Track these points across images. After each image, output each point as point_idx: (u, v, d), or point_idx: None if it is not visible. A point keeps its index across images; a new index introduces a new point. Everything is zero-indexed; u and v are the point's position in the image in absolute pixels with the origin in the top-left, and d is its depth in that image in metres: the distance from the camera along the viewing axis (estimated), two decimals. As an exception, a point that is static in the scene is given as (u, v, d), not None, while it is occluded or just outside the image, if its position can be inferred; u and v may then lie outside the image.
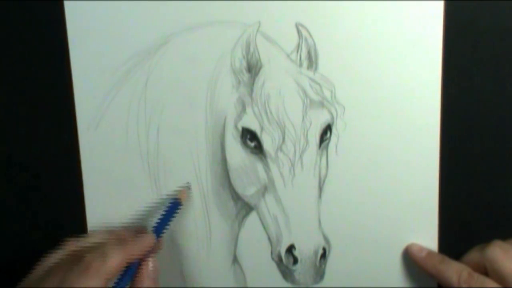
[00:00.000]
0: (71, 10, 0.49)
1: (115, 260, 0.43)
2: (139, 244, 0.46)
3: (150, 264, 0.47)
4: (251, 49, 0.49)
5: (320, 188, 0.51)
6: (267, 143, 0.50)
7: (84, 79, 0.50)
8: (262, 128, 0.50)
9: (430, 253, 0.51)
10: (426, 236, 0.52)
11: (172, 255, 0.53)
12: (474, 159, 0.51)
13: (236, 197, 0.52)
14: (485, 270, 0.47)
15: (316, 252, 0.51)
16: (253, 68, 0.50)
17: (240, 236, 0.53)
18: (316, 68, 0.50)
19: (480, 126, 0.51)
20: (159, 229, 0.48)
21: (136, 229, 0.49)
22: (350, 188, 0.51)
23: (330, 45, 0.49)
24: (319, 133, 0.50)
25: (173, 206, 0.50)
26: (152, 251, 0.47)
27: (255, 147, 0.50)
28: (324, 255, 0.52)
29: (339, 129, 0.50)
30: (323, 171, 0.51)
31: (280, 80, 0.50)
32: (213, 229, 0.52)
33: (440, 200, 0.51)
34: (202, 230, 0.52)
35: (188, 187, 0.51)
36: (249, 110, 0.50)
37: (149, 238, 0.47)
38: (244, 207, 0.52)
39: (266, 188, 0.51)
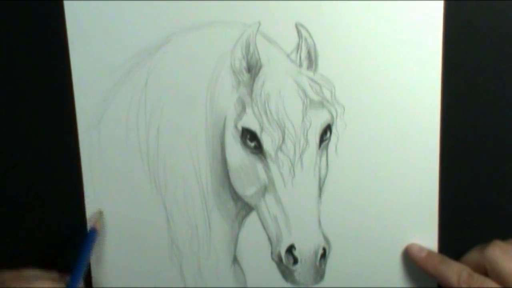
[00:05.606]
0: (71, 10, 0.49)
1: None
2: None
3: None
4: (251, 49, 0.49)
5: (320, 188, 0.51)
6: (267, 143, 0.50)
7: (84, 79, 0.50)
8: (262, 128, 0.50)
9: (430, 253, 0.51)
10: (426, 236, 0.52)
11: (172, 255, 0.53)
12: (474, 159, 0.51)
13: (236, 197, 0.52)
14: (485, 270, 0.47)
15: (316, 252, 0.51)
16: (253, 68, 0.50)
17: (240, 236, 0.53)
18: (316, 68, 0.50)
19: (480, 126, 0.51)
20: (76, 276, 0.47)
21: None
22: (350, 188, 0.51)
23: (330, 45, 0.49)
24: (319, 133, 0.50)
25: (90, 238, 0.49)
26: None
27: (255, 147, 0.50)
28: (324, 255, 0.51)
29: (339, 129, 0.50)
30: (323, 171, 0.51)
31: (280, 80, 0.50)
32: (213, 229, 0.52)
33: (440, 200, 0.51)
34: (202, 230, 0.52)
35: (100, 213, 0.51)
36: (249, 110, 0.50)
37: None
38: (244, 207, 0.52)
39: (266, 188, 0.51)
